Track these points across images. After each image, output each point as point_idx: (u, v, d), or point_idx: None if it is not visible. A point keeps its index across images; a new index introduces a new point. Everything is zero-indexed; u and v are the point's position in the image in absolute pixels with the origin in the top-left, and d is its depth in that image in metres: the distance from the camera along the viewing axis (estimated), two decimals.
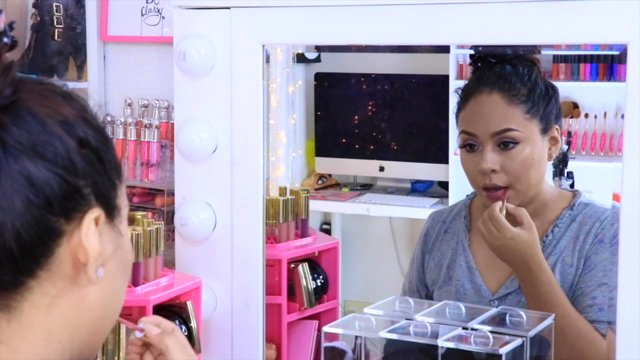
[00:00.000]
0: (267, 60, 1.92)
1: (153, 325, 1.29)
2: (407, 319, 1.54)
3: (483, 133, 1.73)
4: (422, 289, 1.86)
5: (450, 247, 1.84)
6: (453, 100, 2.18)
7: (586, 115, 2.14)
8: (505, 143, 1.71)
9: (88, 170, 0.89)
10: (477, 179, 1.75)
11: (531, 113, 1.72)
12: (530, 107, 1.72)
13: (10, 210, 0.84)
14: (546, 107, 1.74)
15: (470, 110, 1.76)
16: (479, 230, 1.68)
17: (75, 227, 0.88)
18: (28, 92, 0.88)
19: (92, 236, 0.88)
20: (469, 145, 1.75)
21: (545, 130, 1.73)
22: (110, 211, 0.92)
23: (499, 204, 1.67)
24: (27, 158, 0.85)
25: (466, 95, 1.78)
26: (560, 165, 1.85)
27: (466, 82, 1.83)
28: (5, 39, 0.86)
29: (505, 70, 1.75)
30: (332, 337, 1.64)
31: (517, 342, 1.44)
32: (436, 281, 1.83)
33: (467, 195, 1.89)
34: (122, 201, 0.96)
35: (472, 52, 1.90)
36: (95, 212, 0.89)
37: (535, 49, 1.81)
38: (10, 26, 0.90)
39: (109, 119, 1.95)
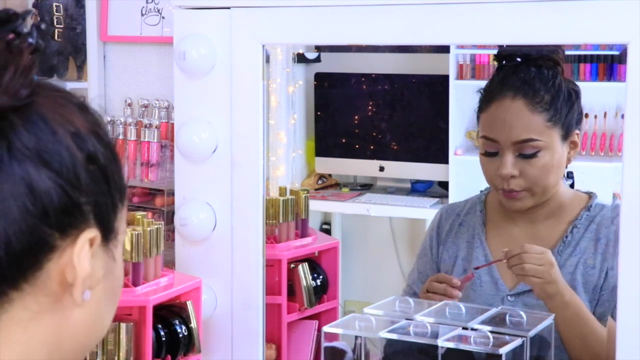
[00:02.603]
0: (267, 60, 1.92)
1: None
2: (407, 319, 1.54)
3: (505, 140, 1.73)
4: None
5: (466, 240, 1.85)
6: (453, 100, 2.19)
7: (586, 115, 2.14)
8: (525, 154, 1.72)
9: (92, 187, 0.86)
10: (496, 182, 1.76)
11: (553, 121, 1.73)
12: (552, 115, 1.73)
13: (4, 216, 0.81)
14: (568, 113, 1.74)
15: (492, 115, 1.77)
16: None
17: (69, 244, 0.85)
18: (44, 97, 0.85)
19: (84, 257, 0.85)
20: (489, 152, 1.76)
21: (565, 137, 1.74)
22: (107, 234, 0.89)
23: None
24: (31, 164, 0.82)
25: (489, 96, 1.78)
26: None
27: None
28: (30, 40, 0.84)
29: (530, 73, 1.74)
30: (332, 337, 1.64)
31: (517, 342, 1.44)
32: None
33: (481, 191, 1.90)
34: (121, 225, 0.92)
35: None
36: (92, 233, 0.86)
37: (558, 48, 1.80)
38: (38, 28, 0.87)
39: (108, 118, 1.94)
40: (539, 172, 1.72)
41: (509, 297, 1.74)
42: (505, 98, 1.75)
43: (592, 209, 1.75)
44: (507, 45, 1.80)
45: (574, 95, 1.76)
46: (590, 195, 1.78)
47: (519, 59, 1.76)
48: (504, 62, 1.80)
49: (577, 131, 1.76)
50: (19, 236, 0.82)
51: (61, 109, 0.86)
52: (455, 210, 1.90)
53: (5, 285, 0.84)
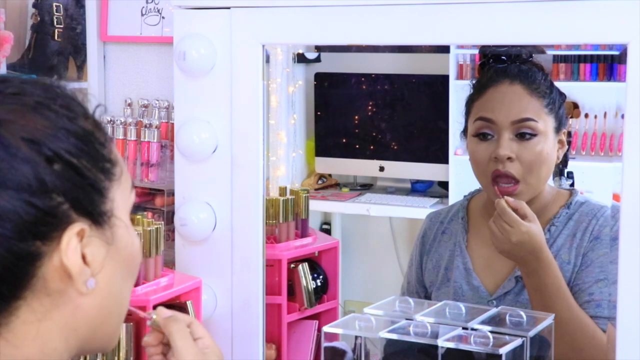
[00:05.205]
0: (267, 60, 1.92)
1: (164, 309, 1.18)
2: (407, 319, 1.54)
3: (503, 120, 1.72)
4: (421, 289, 1.86)
5: (448, 248, 1.84)
6: (453, 100, 2.18)
7: (586, 115, 2.14)
8: (522, 134, 1.71)
9: (63, 186, 0.85)
10: (488, 168, 1.73)
11: (549, 108, 1.73)
12: (548, 102, 1.73)
13: None
14: (560, 107, 1.75)
15: (489, 98, 1.76)
16: (491, 230, 1.65)
17: (55, 246, 0.85)
18: None
19: (72, 253, 0.86)
20: (483, 134, 1.75)
21: (558, 129, 1.74)
22: (97, 220, 0.89)
23: (503, 200, 1.64)
24: None
25: (483, 85, 1.77)
26: (560, 165, 1.85)
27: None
28: None
29: (522, 66, 1.75)
30: (332, 337, 1.64)
31: (517, 342, 1.44)
32: (434, 282, 1.83)
33: (465, 196, 1.89)
34: (116, 201, 0.92)
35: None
36: (76, 227, 0.86)
37: (536, 48, 1.81)
38: None
39: (108, 118, 1.94)
40: (534, 158, 1.71)
41: (490, 302, 1.74)
42: (502, 84, 1.75)
43: (572, 206, 1.75)
44: (493, 47, 1.80)
45: (563, 95, 1.78)
46: (572, 192, 1.78)
47: (507, 62, 1.76)
48: (492, 63, 1.80)
49: (565, 130, 1.76)
50: None
51: (14, 115, 0.85)
52: (439, 217, 1.89)
53: (5, 300, 0.85)
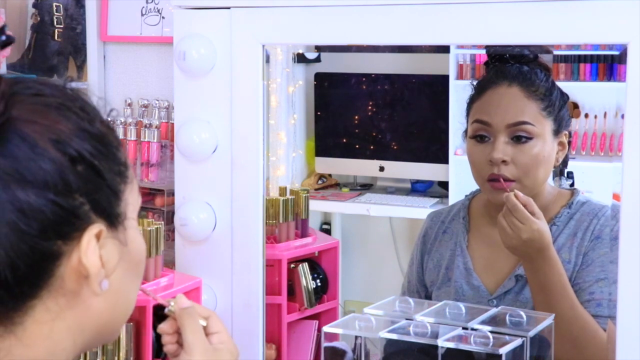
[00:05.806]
0: (267, 60, 1.92)
1: (184, 299, 1.17)
2: (407, 319, 1.54)
3: (498, 123, 1.73)
4: (421, 289, 1.86)
5: (449, 247, 1.84)
6: (453, 100, 2.19)
7: (586, 115, 2.14)
8: (518, 137, 1.72)
9: (85, 187, 0.86)
10: (484, 170, 1.74)
11: (547, 111, 1.73)
12: (547, 105, 1.73)
13: (2, 241, 0.82)
14: (560, 109, 1.75)
15: (487, 100, 1.76)
16: (500, 225, 1.63)
17: (75, 246, 0.86)
18: (20, 109, 0.85)
19: (92, 253, 0.86)
20: (480, 136, 1.75)
21: (557, 132, 1.74)
22: (113, 221, 0.90)
23: (512, 194, 1.63)
24: (16, 186, 0.82)
25: (483, 86, 1.78)
26: (560, 165, 1.85)
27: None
28: None
29: (524, 68, 1.75)
30: (332, 337, 1.64)
31: (517, 342, 1.44)
32: (435, 282, 1.83)
33: (466, 196, 1.89)
34: (129, 204, 0.93)
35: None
36: (95, 229, 0.87)
37: (541, 48, 1.81)
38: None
39: (108, 118, 1.94)
40: (530, 161, 1.71)
41: (490, 301, 1.74)
42: (500, 86, 1.75)
43: (573, 205, 1.75)
44: (498, 46, 1.81)
45: (566, 97, 1.77)
46: (573, 191, 1.78)
47: (511, 61, 1.77)
48: (496, 62, 1.80)
49: (566, 132, 1.76)
50: (21, 257, 0.83)
51: (39, 116, 0.85)
52: (440, 217, 1.89)
53: (22, 299, 0.85)
